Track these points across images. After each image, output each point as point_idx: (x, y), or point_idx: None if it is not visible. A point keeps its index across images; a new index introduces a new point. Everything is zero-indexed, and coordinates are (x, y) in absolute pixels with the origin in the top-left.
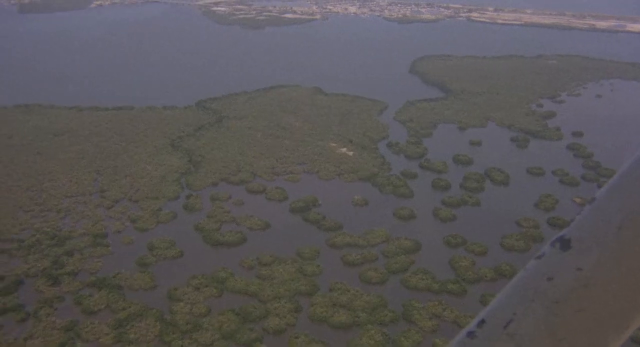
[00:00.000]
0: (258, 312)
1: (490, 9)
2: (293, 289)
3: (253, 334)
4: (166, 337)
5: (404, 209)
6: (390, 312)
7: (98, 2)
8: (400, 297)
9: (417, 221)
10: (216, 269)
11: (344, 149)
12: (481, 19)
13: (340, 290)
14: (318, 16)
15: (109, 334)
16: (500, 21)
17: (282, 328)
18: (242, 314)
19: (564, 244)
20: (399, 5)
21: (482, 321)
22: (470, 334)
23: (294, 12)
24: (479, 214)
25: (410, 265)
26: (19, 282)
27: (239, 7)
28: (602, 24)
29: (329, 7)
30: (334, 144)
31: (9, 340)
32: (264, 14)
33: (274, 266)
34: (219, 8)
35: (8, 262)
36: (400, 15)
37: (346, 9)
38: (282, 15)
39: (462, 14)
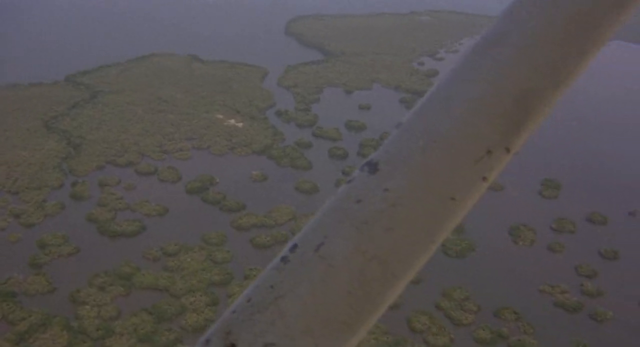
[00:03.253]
0: (173, 310)
1: None
2: (206, 279)
3: (172, 335)
4: None
5: (305, 182)
6: None
7: None
8: None
9: (321, 195)
10: (119, 264)
11: (232, 121)
12: None
13: (256, 277)
14: None
15: None
16: None
17: (201, 325)
18: (157, 313)
19: (372, 167)
20: None
21: (295, 246)
22: (284, 259)
23: None
24: None
25: None
26: None
27: None
28: None
29: None
30: (220, 116)
31: None
32: None
33: (181, 256)
34: None
35: None
36: None
37: None
38: None
39: None
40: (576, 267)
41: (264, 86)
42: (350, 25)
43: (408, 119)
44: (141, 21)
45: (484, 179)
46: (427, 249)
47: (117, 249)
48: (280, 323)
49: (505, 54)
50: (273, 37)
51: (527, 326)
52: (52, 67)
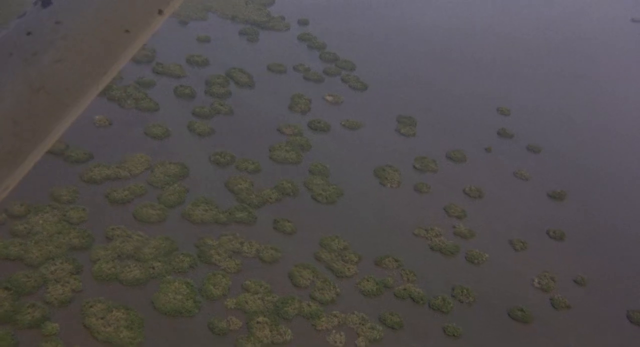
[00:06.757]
0: (33, 282)
1: None
2: (64, 244)
3: (37, 312)
4: None
5: (155, 126)
6: (185, 256)
7: None
8: (190, 236)
9: (174, 139)
10: None
11: None
12: None
13: (121, 237)
14: None
15: None
16: None
17: (69, 297)
18: (14, 287)
19: (45, 2)
20: None
21: None
22: None
23: None
24: (237, 125)
25: (185, 194)
26: None
27: None
28: None
29: None
30: None
31: None
32: None
33: (31, 217)
34: None
35: None
36: None
37: None
38: None
39: None
40: (445, 208)
41: None
42: None
43: None
44: None
45: (160, 12)
46: (100, 80)
47: None
48: None
49: None
50: None
51: (409, 273)
52: None
